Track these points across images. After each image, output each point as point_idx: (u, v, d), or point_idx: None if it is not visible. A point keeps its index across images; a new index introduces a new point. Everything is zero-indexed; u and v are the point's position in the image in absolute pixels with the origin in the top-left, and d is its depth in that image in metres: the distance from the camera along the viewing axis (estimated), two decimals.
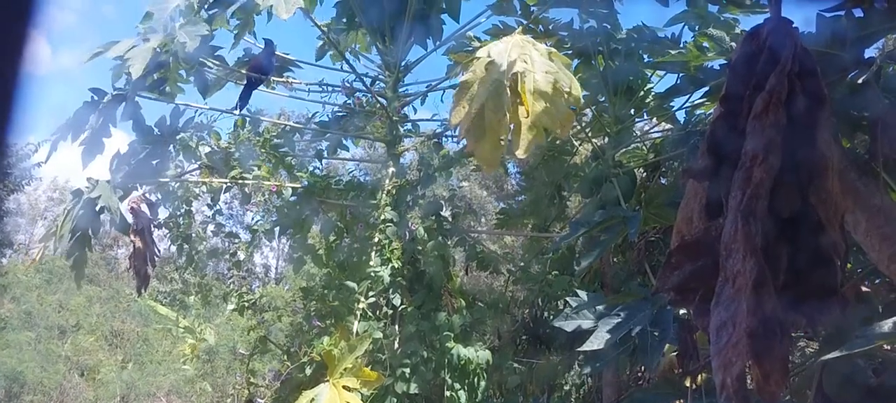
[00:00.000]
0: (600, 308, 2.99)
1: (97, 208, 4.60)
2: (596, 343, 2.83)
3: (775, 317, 1.41)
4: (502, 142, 3.02)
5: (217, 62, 5.07)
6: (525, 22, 4.28)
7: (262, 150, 5.27)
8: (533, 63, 3.08)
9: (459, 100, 3.03)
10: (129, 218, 5.11)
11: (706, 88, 3.55)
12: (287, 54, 5.53)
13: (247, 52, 5.34)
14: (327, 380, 4.19)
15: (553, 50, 3.30)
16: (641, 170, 4.80)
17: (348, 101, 5.57)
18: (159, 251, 5.80)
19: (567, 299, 3.27)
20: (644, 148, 4.95)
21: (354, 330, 4.59)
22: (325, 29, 5.40)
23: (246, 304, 5.74)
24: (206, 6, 4.44)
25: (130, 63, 4.19)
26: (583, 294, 3.19)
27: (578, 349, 3.03)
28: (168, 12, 4.46)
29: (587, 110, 4.71)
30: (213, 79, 5.13)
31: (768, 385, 1.40)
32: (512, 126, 3.03)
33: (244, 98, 5.24)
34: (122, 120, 4.69)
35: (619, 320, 2.87)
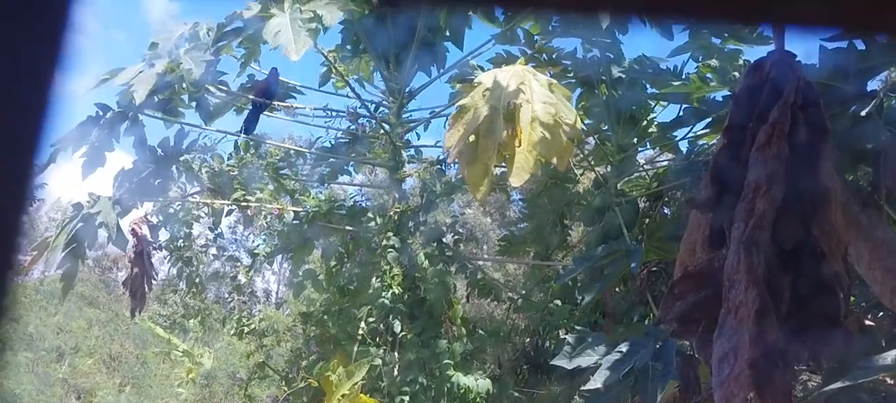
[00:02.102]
0: (601, 347, 2.97)
1: (96, 223, 4.59)
2: (597, 381, 2.82)
3: (778, 348, 1.39)
4: (493, 169, 3.04)
5: (221, 87, 5.10)
6: (529, 51, 4.31)
7: (265, 173, 5.29)
8: (532, 93, 3.10)
9: (455, 124, 3.06)
10: (130, 239, 5.11)
11: (709, 119, 3.56)
12: (290, 81, 5.56)
13: (250, 77, 5.38)
14: None
15: (554, 81, 3.33)
16: (644, 199, 4.79)
17: (352, 127, 5.59)
18: (157, 274, 5.79)
19: (567, 337, 3.24)
20: (647, 177, 4.95)
21: (353, 356, 4.56)
22: (331, 56, 5.44)
23: (245, 328, 5.73)
24: (211, 35, 4.48)
25: (135, 89, 4.23)
26: (583, 330, 3.17)
27: (582, 389, 3.00)
28: (173, 41, 4.51)
29: (590, 139, 4.72)
30: (216, 105, 5.15)
31: None
32: (507, 155, 3.05)
33: (250, 122, 5.27)
34: (124, 136, 4.69)
35: (621, 356, 2.85)
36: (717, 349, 1.47)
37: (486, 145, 2.98)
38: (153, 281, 5.41)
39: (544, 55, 4.34)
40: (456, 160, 3.16)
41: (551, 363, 3.23)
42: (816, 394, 2.63)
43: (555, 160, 3.19)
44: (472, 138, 2.99)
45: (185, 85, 4.54)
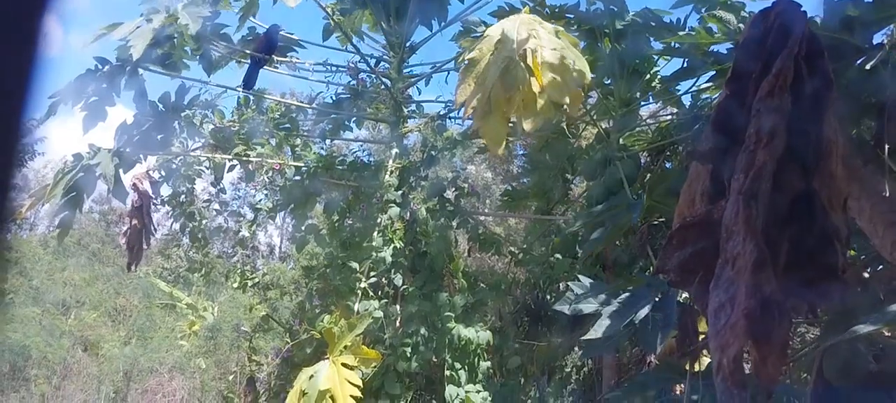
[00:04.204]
0: (602, 296, 2.97)
1: (95, 174, 4.60)
2: (597, 331, 2.82)
3: (774, 299, 1.40)
4: (509, 121, 2.99)
5: (222, 40, 5.05)
6: (531, 3, 4.24)
7: (267, 128, 5.28)
8: (541, 39, 3.05)
9: (466, 78, 3.00)
10: (131, 193, 5.12)
11: (712, 72, 3.52)
12: (292, 34, 5.51)
13: (251, 30, 5.33)
14: (327, 358, 4.22)
15: (560, 29, 3.27)
16: (646, 153, 4.78)
17: (352, 82, 5.56)
18: (156, 229, 5.81)
19: (570, 284, 3.26)
20: (649, 131, 4.92)
21: (355, 309, 4.61)
22: (331, 9, 5.37)
23: (248, 282, 5.77)
24: None
25: (132, 44, 4.20)
26: (585, 279, 3.17)
27: (581, 337, 3.02)
28: None
29: (593, 92, 4.68)
30: (218, 57, 5.11)
31: (766, 367, 1.39)
32: (518, 103, 3.00)
33: (250, 76, 5.24)
34: (125, 90, 4.67)
35: (622, 306, 2.86)
36: (714, 299, 1.47)
37: (502, 96, 2.93)
38: (152, 237, 5.43)
39: (546, 8, 4.28)
40: (470, 115, 3.11)
41: (553, 308, 3.24)
42: (814, 347, 2.66)
43: (567, 102, 3.13)
44: (485, 91, 2.94)
45: (185, 38, 4.50)
